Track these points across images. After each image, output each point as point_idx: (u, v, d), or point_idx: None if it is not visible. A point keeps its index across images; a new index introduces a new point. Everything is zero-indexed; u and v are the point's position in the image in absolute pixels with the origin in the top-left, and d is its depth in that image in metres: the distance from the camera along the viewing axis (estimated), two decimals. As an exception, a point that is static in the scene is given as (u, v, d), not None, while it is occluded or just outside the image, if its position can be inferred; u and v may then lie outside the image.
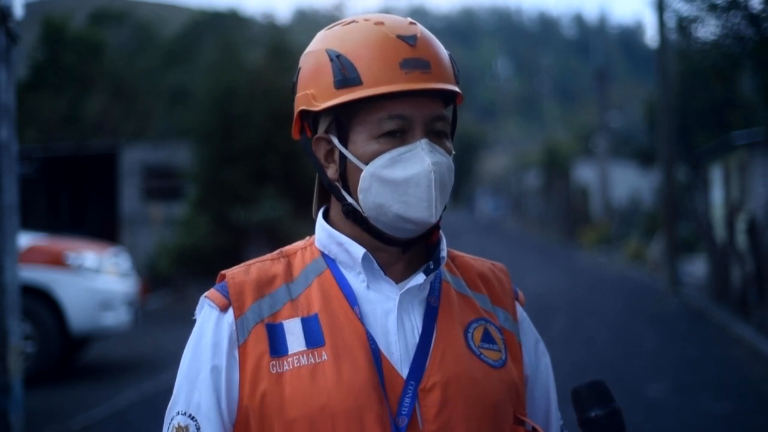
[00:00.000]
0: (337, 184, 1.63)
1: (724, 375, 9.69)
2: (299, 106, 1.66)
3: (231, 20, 35.80)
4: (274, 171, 17.79)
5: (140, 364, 10.96)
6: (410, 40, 1.58)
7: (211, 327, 1.61)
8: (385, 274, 1.62)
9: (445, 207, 1.64)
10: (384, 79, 1.55)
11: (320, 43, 1.64)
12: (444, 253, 1.65)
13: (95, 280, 9.93)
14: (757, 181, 14.70)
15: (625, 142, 34.29)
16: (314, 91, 1.61)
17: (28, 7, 45.20)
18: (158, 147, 21.92)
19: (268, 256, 1.69)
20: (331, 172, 1.63)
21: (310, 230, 1.74)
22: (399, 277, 1.64)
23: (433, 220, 1.57)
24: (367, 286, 1.62)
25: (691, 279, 18.69)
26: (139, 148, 21.53)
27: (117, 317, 10.09)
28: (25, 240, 9.51)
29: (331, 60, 1.58)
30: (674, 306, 15.63)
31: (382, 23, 1.60)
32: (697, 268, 19.51)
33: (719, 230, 16.11)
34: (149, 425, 7.94)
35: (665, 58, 18.42)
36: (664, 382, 9.18)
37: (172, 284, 17.87)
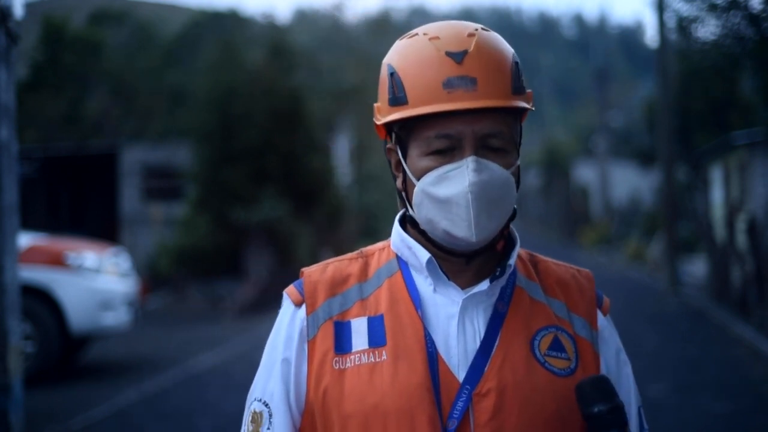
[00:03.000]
0: (402, 194, 1.68)
1: (724, 375, 9.70)
2: (374, 115, 1.72)
3: (231, 20, 35.78)
4: (274, 171, 17.78)
5: (140, 364, 10.96)
6: (457, 57, 1.58)
7: (286, 321, 1.69)
8: (449, 279, 1.65)
9: (515, 215, 1.66)
10: (426, 99, 1.58)
11: (389, 55, 1.68)
12: (511, 261, 1.66)
13: (95, 280, 9.93)
14: (757, 181, 14.69)
15: (625, 142, 34.27)
16: (380, 104, 1.69)
17: (28, 7, 45.17)
18: (158, 147, 21.92)
19: (348, 255, 1.76)
20: (399, 182, 1.69)
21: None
22: (468, 284, 1.66)
23: (474, 239, 1.58)
24: (434, 290, 1.66)
25: (691, 279, 18.70)
26: (139, 148, 21.53)
27: (117, 317, 10.08)
28: (25, 240, 9.51)
29: (389, 76, 1.65)
30: (674, 306, 15.63)
31: (437, 38, 1.61)
32: (697, 268, 19.52)
33: (719, 230, 16.11)
34: (149, 425, 7.95)
35: (665, 58, 18.42)
36: (664, 382, 9.18)
37: (172, 284, 17.87)
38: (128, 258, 11.41)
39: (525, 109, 1.65)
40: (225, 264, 17.66)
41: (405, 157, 1.64)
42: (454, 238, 1.60)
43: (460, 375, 1.59)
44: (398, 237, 1.71)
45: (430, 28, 1.65)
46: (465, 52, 1.59)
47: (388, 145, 1.70)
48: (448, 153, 1.59)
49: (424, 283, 1.66)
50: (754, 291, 12.49)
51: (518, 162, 1.65)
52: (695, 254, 21.04)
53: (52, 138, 27.21)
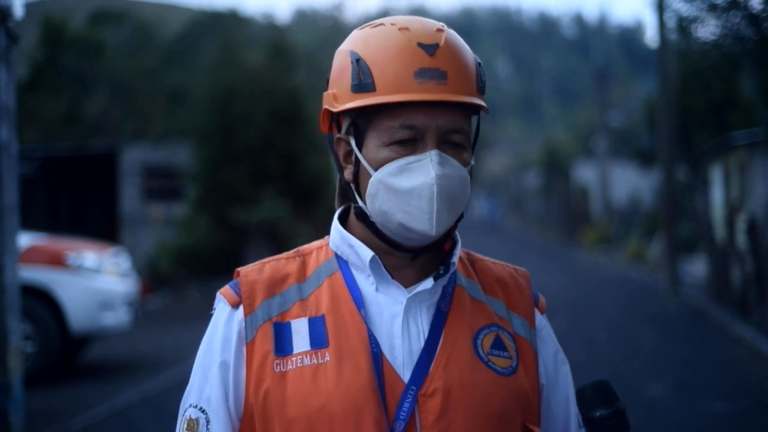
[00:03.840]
0: (351, 185, 1.64)
1: (724, 375, 9.70)
2: (324, 104, 1.66)
3: (231, 20, 35.73)
4: (274, 171, 17.78)
5: (140, 364, 10.96)
6: (429, 49, 1.57)
7: (222, 322, 1.64)
8: (393, 277, 1.62)
9: (462, 216, 1.63)
10: (396, 87, 1.55)
11: (349, 42, 1.64)
12: (455, 259, 1.64)
13: (95, 280, 9.93)
14: (757, 181, 14.68)
15: (625, 142, 34.25)
16: (337, 91, 1.62)
17: (28, 7, 45.15)
18: (158, 147, 21.91)
19: (284, 254, 1.71)
20: (348, 173, 1.64)
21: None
22: (410, 282, 1.63)
23: (433, 233, 1.56)
24: (376, 289, 1.62)
25: (691, 279, 18.70)
26: (139, 148, 21.52)
27: (117, 317, 10.08)
28: (25, 240, 9.51)
29: (352, 63, 1.59)
30: (674, 306, 15.63)
31: (406, 29, 1.59)
32: (697, 268, 19.52)
33: (719, 230, 16.11)
34: (149, 425, 7.95)
35: (665, 58, 18.42)
36: (664, 382, 9.18)
37: (172, 284, 17.87)
38: (128, 258, 11.41)
39: (482, 109, 1.64)
40: (225, 264, 17.63)
41: (360, 147, 1.61)
42: (409, 231, 1.57)
43: (405, 375, 1.56)
44: (338, 235, 1.68)
45: (397, 19, 1.63)
46: (436, 45, 1.58)
47: (338, 136, 1.65)
48: (409, 144, 1.57)
49: (365, 282, 1.63)
50: (754, 291, 12.49)
51: (473, 162, 1.63)
52: (695, 254, 21.03)
53: (52, 138, 27.19)
